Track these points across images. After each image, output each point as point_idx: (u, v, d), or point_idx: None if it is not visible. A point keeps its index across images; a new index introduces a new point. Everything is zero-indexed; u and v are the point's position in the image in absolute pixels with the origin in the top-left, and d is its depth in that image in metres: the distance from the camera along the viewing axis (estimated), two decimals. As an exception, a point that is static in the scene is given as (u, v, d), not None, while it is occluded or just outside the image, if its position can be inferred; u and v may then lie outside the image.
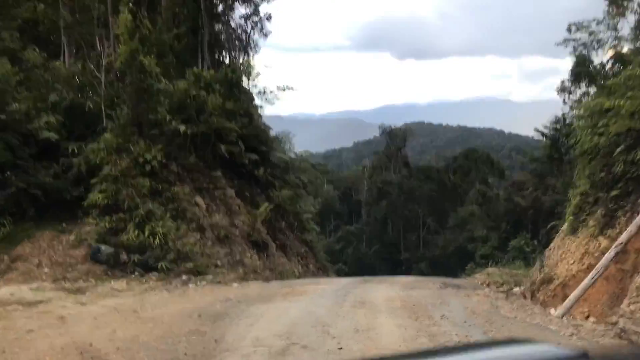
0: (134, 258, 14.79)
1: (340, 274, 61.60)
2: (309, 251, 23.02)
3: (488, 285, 22.81)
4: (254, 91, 23.10)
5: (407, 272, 59.15)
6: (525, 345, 1.60)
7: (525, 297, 16.75)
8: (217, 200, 18.29)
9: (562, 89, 41.74)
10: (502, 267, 41.09)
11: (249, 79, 23.22)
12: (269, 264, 18.36)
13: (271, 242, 19.59)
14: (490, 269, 40.06)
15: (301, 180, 23.40)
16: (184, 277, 14.59)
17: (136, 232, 15.29)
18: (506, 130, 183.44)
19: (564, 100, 41.70)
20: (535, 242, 50.13)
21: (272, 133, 23.85)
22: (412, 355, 1.65)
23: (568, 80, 40.70)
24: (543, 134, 24.02)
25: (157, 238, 15.32)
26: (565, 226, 17.92)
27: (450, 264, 53.90)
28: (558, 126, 23.04)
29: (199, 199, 17.80)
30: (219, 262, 16.51)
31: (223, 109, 19.89)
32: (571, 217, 15.64)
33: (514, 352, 1.51)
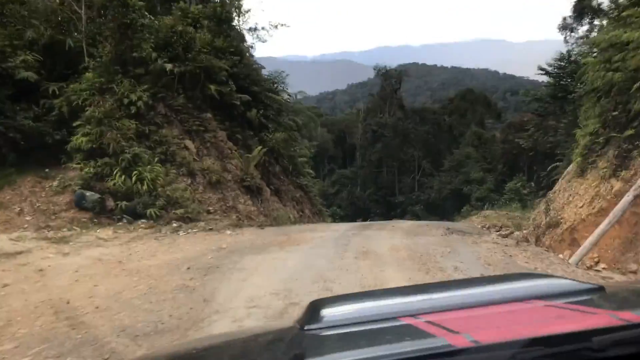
0: (121, 205, 14.05)
1: (335, 217, 61.87)
2: (304, 196, 22.37)
3: (488, 228, 22.46)
4: (245, 28, 21.81)
5: (402, 215, 59.12)
6: (540, 279, 1.75)
7: (528, 241, 16.29)
8: (207, 143, 17.43)
9: (564, 27, 40.21)
10: (499, 209, 40.89)
11: (239, 16, 21.89)
12: (264, 210, 17.72)
13: (265, 187, 18.88)
14: (486, 211, 39.85)
15: (296, 122, 22.45)
16: (175, 224, 13.93)
17: (123, 177, 14.50)
18: (501, 71, 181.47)
19: (565, 38, 40.49)
20: (532, 184, 50.02)
21: (265, 73, 22.72)
22: (429, 286, 1.79)
23: (570, 16, 39.40)
24: (546, 72, 22.95)
25: (145, 183, 14.56)
26: (570, 168, 17.28)
27: (445, 207, 53.76)
28: (563, 63, 21.96)
29: (188, 142, 16.94)
30: (211, 209, 15.83)
31: (212, 46, 18.74)
32: (579, 159, 14.93)
33: (531, 285, 1.59)
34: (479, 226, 21.93)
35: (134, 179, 14.56)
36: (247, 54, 20.76)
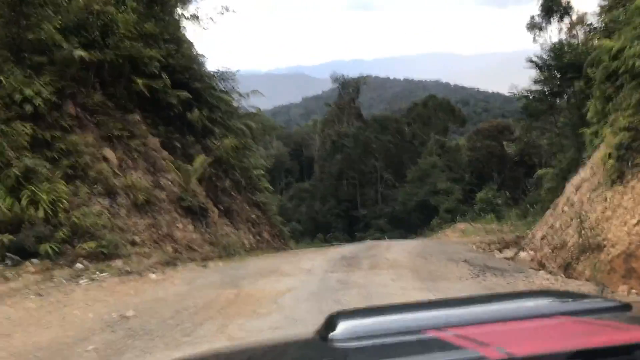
0: (3, 239, 9.94)
1: (294, 233, 58.26)
2: (262, 215, 18.52)
3: (484, 249, 19.17)
4: (186, 15, 17.89)
5: (366, 229, 55.85)
6: (564, 296, 1.87)
7: (543, 266, 12.95)
8: (134, 152, 13.43)
9: (532, 26, 38.34)
10: (472, 221, 37.93)
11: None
12: (210, 236, 13.82)
13: (212, 206, 14.99)
14: (460, 224, 36.77)
15: (249, 127, 18.64)
16: (80, 265, 9.90)
17: (7, 200, 10.40)
18: (452, 83, 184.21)
19: (534, 37, 38.71)
20: (507, 193, 47.55)
21: (210, 69, 18.76)
22: (452, 301, 1.90)
23: (538, 15, 37.58)
24: (536, 65, 20.01)
25: (41, 208, 10.48)
26: (585, 173, 14.14)
27: (411, 220, 50.74)
28: (556, 54, 19.03)
29: (107, 152, 12.90)
30: (137, 238, 11.83)
31: (140, 31, 14.79)
32: (611, 162, 11.69)
33: (556, 301, 1.62)
34: (473, 246, 18.69)
35: (24, 202, 10.48)
36: (187, 43, 16.81)
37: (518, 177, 51.10)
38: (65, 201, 10.96)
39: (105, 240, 10.84)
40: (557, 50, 19.32)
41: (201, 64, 17.50)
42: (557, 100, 19.60)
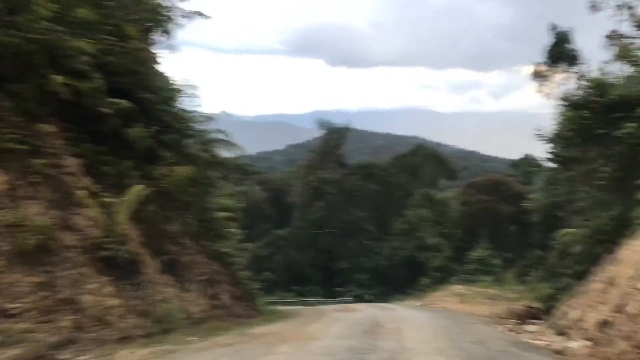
0: None
1: (268, 284, 53.50)
2: (223, 270, 14.23)
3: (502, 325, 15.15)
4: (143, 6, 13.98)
5: (345, 284, 51.42)
6: None
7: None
8: (36, 176, 9.25)
9: (536, 74, 35.82)
10: (468, 283, 33.87)
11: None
12: (139, 302, 9.52)
13: (150, 258, 10.75)
14: (455, 287, 32.65)
15: (213, 155, 14.58)
16: None
17: None
18: (431, 140, 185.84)
19: (539, 86, 35.95)
20: (510, 254, 43.66)
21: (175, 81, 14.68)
22: None
23: (544, 63, 35.08)
24: (569, 103, 16.56)
25: None
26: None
27: (396, 276, 46.49)
28: (595, 91, 15.63)
29: (-9, 172, 8.72)
30: (14, 307, 7.55)
31: (70, 15, 10.90)
32: None
33: None
34: (488, 319, 14.69)
35: None
36: (139, 41, 12.83)
37: (512, 236, 47.73)
38: None
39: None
40: (599, 85, 15.87)
41: (156, 70, 13.55)
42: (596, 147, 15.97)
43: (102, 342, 8.04)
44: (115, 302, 9.01)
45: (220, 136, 15.91)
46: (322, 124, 70.68)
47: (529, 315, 21.76)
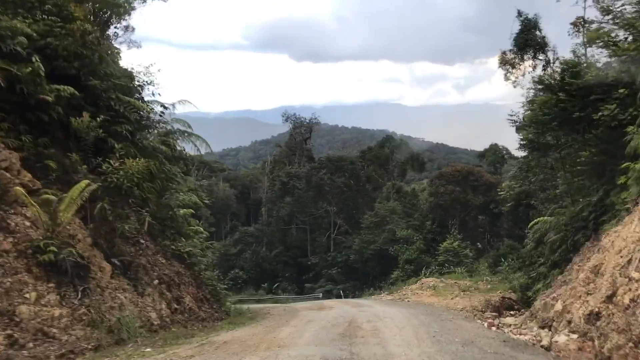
0: None
1: (237, 282, 52.30)
2: (186, 271, 13.19)
3: (475, 315, 14.55)
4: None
5: (316, 279, 50.61)
6: None
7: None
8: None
9: (503, 62, 35.51)
10: (441, 275, 33.35)
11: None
12: (88, 311, 8.46)
13: (101, 260, 9.67)
14: (428, 279, 32.08)
15: (171, 147, 13.47)
16: None
17: None
18: (398, 132, 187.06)
19: (506, 74, 35.65)
20: (479, 244, 43.51)
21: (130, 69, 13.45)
22: None
23: (510, 50, 34.91)
24: (545, 85, 15.91)
25: None
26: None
27: (367, 270, 45.88)
28: (576, 70, 14.98)
29: None
30: None
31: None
32: None
33: None
34: (463, 312, 14.04)
35: None
36: (89, 23, 11.61)
37: (482, 226, 47.64)
38: None
39: None
40: (574, 66, 15.29)
41: (109, 56, 12.34)
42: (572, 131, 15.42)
43: (43, 359, 7.00)
44: (59, 312, 7.94)
45: (181, 128, 14.82)
46: (288, 117, 69.75)
47: (504, 306, 21.37)
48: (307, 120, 70.75)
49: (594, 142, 14.24)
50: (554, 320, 11.45)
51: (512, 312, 19.46)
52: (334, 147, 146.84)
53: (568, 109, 14.89)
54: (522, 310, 20.50)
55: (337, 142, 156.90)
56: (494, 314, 16.06)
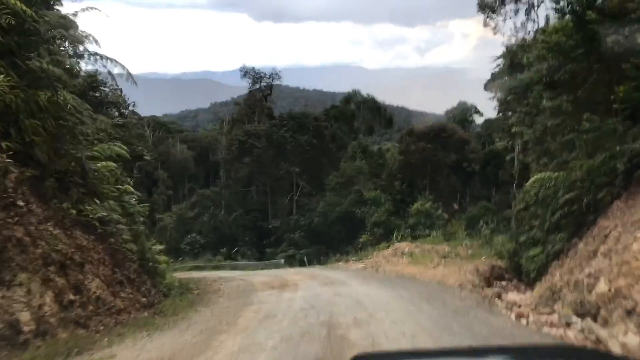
0: None
1: (195, 247, 48.95)
2: (96, 246, 9.55)
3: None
4: None
5: (278, 243, 47.58)
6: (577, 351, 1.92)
7: None
8: None
9: (483, 6, 32.84)
10: (415, 240, 30.63)
11: None
12: None
13: None
14: (400, 243, 29.31)
15: (71, 69, 9.66)
16: None
17: None
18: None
19: (485, 19, 33.31)
20: (455, 205, 40.94)
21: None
22: (483, 350, 2.15)
23: (491, -7, 32.40)
24: (558, 10, 12.87)
25: None
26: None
27: (332, 234, 42.93)
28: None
29: None
30: None
31: None
32: None
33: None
34: (458, 288, 11.07)
35: None
36: None
37: (454, 187, 45.14)
38: None
39: None
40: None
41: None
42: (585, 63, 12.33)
43: None
44: None
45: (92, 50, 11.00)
46: (247, 72, 65.36)
47: (494, 276, 18.79)
48: (268, 75, 66.62)
49: (634, 73, 11.11)
50: (599, 308, 8.50)
51: (503, 283, 17.05)
52: (296, 109, 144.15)
53: (599, 32, 11.72)
54: (514, 280, 18.03)
55: (298, 105, 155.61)
56: (496, 290, 13.12)
